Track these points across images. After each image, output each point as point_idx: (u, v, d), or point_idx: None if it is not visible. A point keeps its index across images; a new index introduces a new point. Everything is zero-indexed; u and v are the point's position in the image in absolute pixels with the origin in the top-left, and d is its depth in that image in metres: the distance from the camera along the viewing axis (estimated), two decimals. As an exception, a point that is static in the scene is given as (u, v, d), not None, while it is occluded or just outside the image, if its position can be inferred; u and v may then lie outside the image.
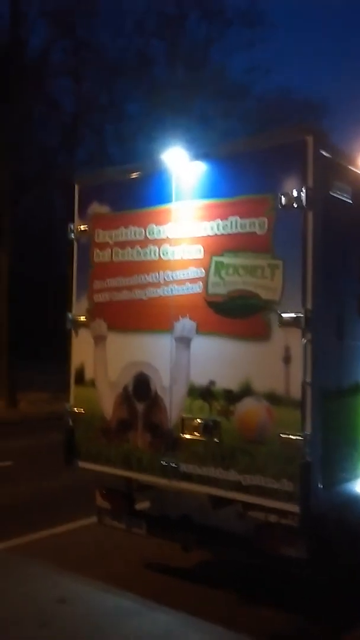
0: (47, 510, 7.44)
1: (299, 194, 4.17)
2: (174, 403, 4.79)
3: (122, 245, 5.18)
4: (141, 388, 4.99)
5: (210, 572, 5.69)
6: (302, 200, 4.17)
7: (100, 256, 5.34)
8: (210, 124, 20.49)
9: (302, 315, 4.14)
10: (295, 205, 4.19)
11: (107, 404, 5.20)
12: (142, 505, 5.50)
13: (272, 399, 4.28)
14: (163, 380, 4.87)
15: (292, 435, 4.14)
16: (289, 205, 4.22)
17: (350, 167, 4.67)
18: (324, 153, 4.32)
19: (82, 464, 5.38)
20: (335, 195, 4.46)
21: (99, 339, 5.31)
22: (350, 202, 4.63)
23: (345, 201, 4.57)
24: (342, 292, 4.57)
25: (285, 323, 4.21)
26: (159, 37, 20.85)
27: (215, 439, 4.53)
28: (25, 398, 17.63)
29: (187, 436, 4.68)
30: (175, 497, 4.96)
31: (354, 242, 4.73)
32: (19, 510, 7.49)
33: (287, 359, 4.21)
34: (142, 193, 5.07)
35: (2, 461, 10.19)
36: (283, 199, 4.24)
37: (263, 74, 31.51)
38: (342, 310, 4.55)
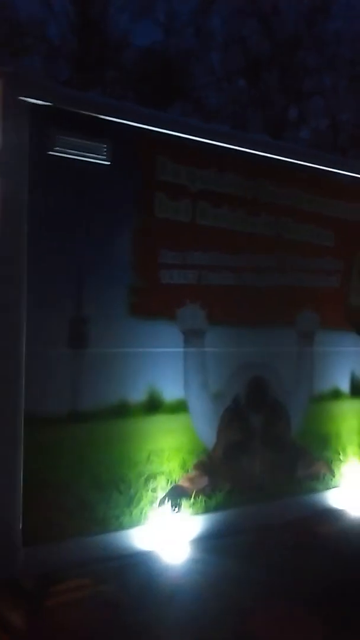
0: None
1: (-12, 157, 3.15)
2: None
3: None
4: None
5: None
6: (-10, 166, 3.14)
7: None
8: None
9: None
10: (-14, 173, 3.18)
11: None
12: None
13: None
14: None
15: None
16: (-18, 173, 3.21)
17: (101, 116, 3.45)
18: (33, 100, 3.21)
19: None
20: (66, 155, 3.31)
21: None
22: (106, 162, 3.44)
23: (89, 162, 3.39)
24: (89, 287, 3.39)
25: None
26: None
27: None
28: None
29: None
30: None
31: (121, 215, 3.54)
32: None
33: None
34: None
35: None
36: (-23, 166, 3.24)
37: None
38: (82, 310, 3.38)
